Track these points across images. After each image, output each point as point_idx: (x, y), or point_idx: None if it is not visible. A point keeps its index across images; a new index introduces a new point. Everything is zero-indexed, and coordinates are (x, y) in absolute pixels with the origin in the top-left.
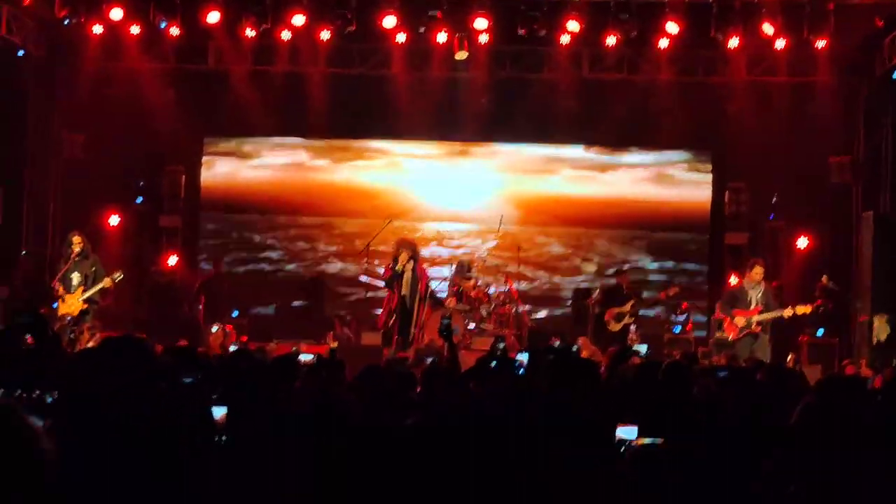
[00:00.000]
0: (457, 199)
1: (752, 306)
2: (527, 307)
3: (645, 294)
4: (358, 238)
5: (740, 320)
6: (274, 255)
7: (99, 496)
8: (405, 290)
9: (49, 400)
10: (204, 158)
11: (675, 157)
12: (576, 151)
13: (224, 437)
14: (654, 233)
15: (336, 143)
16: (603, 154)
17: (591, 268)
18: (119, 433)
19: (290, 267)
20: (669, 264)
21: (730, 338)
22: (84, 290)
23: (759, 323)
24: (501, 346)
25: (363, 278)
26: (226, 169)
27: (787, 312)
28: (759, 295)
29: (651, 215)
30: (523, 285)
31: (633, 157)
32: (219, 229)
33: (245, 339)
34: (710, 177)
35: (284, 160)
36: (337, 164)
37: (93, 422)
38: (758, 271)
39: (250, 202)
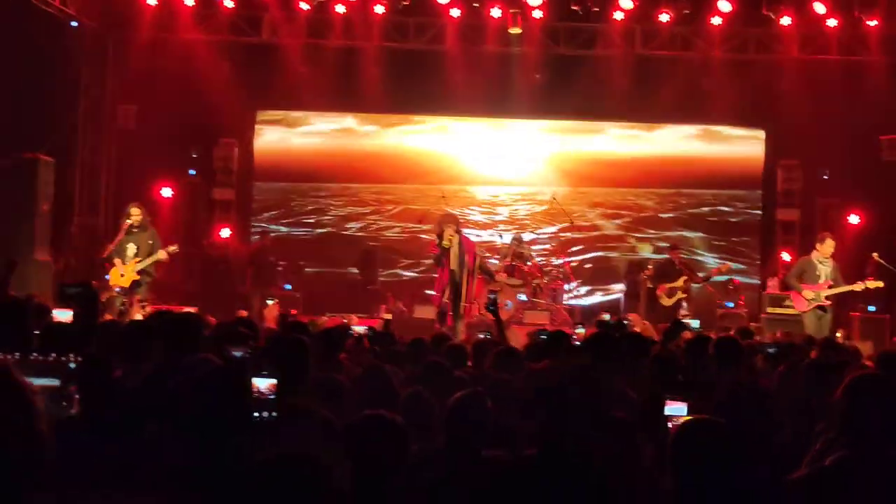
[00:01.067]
0: (505, 163)
1: (822, 280)
2: (578, 281)
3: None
4: (411, 203)
5: (809, 293)
6: (328, 220)
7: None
8: (454, 265)
9: (72, 366)
10: (255, 127)
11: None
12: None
13: (267, 412)
14: (707, 189)
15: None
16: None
17: (646, 248)
18: (138, 404)
19: (346, 232)
20: (722, 242)
21: (798, 311)
22: (139, 262)
23: (828, 297)
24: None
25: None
26: (275, 137)
27: (859, 287)
28: (830, 269)
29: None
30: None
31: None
32: (271, 200)
33: (295, 312)
34: (759, 151)
35: (333, 126)
36: (385, 129)
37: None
38: (830, 244)
39: (301, 171)
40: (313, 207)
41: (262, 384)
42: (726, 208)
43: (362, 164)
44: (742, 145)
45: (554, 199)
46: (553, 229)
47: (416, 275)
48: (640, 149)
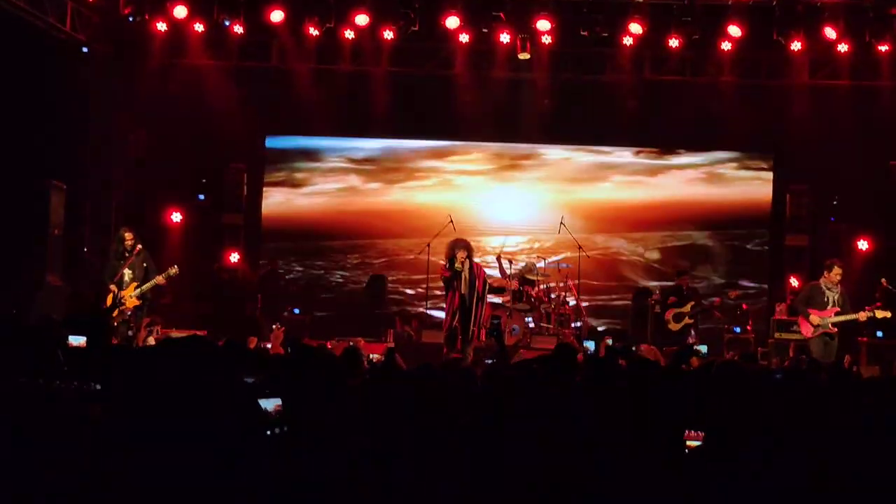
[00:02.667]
0: (511, 213)
1: (829, 307)
2: (585, 304)
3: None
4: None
5: (815, 319)
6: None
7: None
8: (464, 290)
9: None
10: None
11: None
12: (625, 156)
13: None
14: (713, 231)
15: (388, 163)
16: (654, 158)
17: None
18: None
19: (349, 274)
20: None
21: (805, 336)
22: (136, 287)
23: (834, 324)
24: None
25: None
26: (279, 199)
27: (863, 316)
28: (837, 296)
29: (707, 215)
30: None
31: (685, 158)
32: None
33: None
34: (768, 177)
35: (337, 185)
36: (389, 185)
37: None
38: (837, 272)
39: (306, 229)
40: (323, 263)
41: (269, 405)
42: (735, 242)
43: (369, 221)
44: (747, 185)
45: (562, 223)
46: (560, 257)
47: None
48: (644, 194)
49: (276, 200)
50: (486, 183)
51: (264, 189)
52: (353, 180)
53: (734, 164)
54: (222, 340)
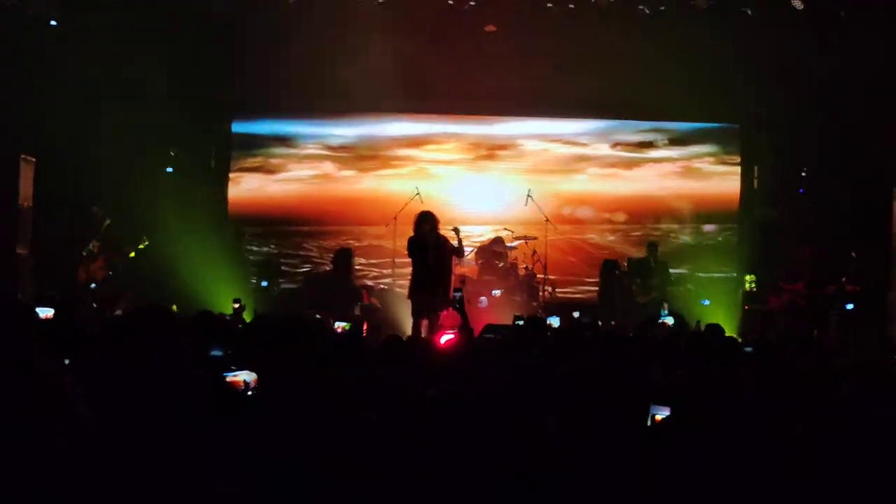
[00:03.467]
0: (484, 202)
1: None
2: (553, 278)
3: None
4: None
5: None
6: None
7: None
8: (431, 260)
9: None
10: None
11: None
12: (602, 148)
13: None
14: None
15: (364, 151)
16: (631, 151)
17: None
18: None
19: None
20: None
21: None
22: (105, 260)
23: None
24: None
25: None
26: (254, 185)
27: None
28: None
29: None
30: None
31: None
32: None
33: None
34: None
35: (312, 172)
36: (363, 173)
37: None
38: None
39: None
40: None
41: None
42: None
43: (342, 209)
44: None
45: (529, 195)
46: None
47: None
48: (619, 186)
49: (250, 186)
50: (461, 173)
51: (233, 175)
52: (328, 167)
53: (711, 159)
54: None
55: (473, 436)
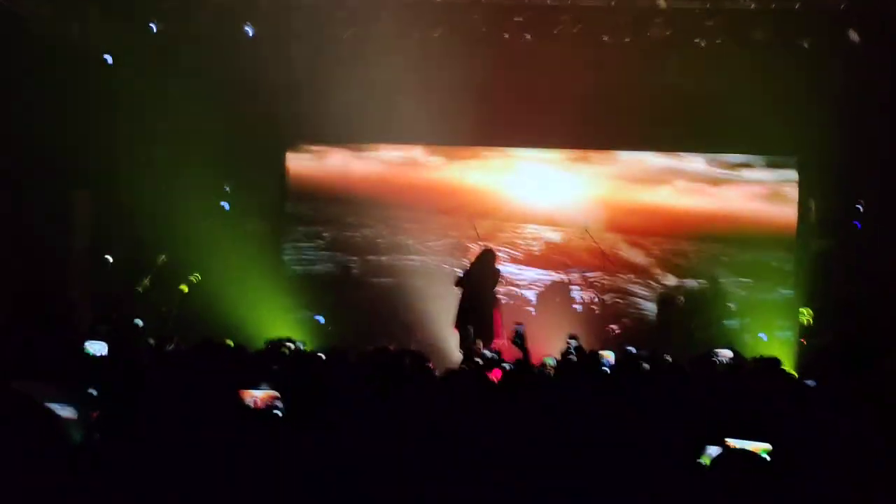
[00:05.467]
0: (558, 204)
1: None
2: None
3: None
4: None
5: None
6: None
7: None
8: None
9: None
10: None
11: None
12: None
13: None
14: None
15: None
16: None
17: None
18: None
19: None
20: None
21: None
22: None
23: None
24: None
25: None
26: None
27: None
28: None
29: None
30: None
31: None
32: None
33: None
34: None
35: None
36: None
37: None
38: None
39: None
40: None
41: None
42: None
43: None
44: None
45: (586, 231)
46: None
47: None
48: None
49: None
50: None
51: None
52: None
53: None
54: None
55: None
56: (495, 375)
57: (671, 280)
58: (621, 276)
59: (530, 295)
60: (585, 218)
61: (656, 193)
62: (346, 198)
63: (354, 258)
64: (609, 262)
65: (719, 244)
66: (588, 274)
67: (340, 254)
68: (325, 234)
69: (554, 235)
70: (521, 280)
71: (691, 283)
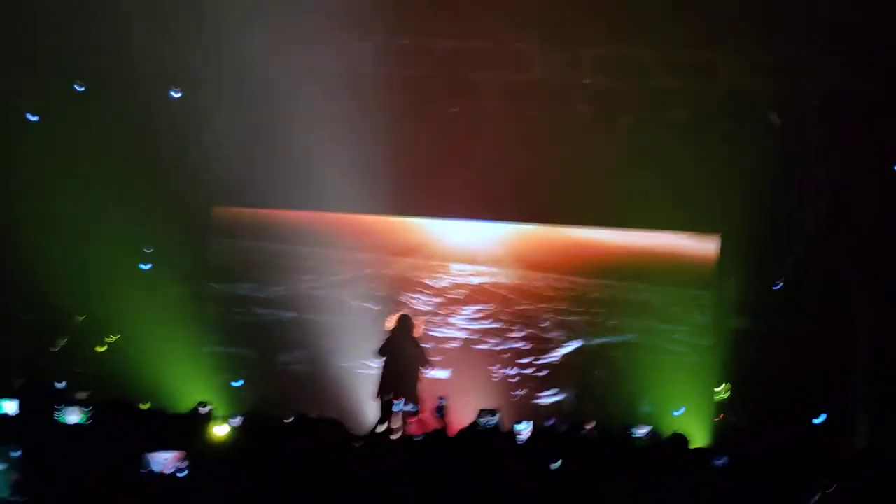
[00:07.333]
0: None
1: None
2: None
3: None
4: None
5: None
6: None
7: None
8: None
9: None
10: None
11: None
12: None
13: None
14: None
15: None
16: None
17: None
18: None
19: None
20: None
21: None
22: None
23: None
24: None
25: None
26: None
27: None
28: None
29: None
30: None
31: None
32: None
33: None
34: None
35: None
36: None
37: None
38: None
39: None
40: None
41: None
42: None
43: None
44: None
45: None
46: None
47: None
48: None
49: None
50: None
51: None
52: None
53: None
54: None
55: None
56: (415, 429)
57: (588, 339)
58: (539, 330)
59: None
60: (504, 259)
61: (576, 231)
62: (268, 250)
63: (276, 318)
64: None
65: (640, 286)
66: (510, 337)
67: (261, 313)
68: (247, 292)
69: (474, 276)
70: (441, 334)
71: (608, 339)
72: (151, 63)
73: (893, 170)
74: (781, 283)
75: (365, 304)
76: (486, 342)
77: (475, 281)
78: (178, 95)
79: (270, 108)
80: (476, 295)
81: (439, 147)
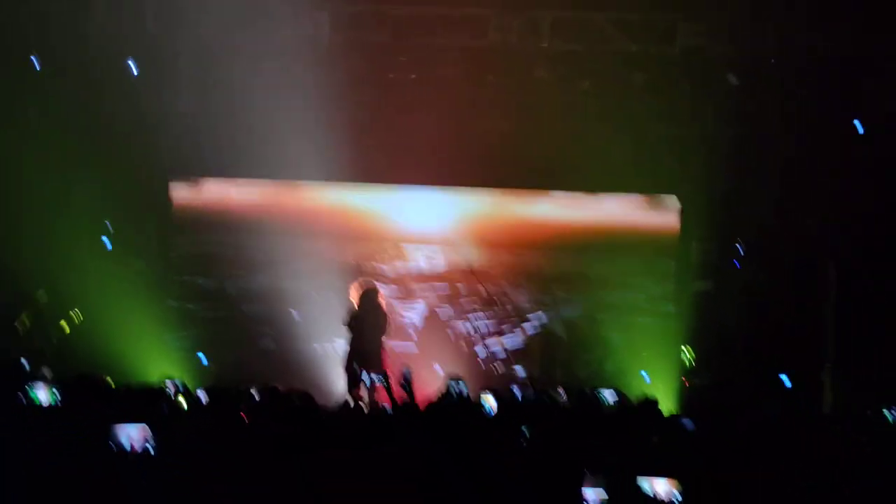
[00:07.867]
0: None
1: None
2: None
3: None
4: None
5: None
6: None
7: None
8: (368, 332)
9: None
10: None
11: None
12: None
13: None
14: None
15: None
16: None
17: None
18: None
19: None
20: None
21: None
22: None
23: None
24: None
25: None
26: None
27: None
28: None
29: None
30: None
31: None
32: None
33: None
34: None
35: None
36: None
37: None
38: None
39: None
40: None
41: None
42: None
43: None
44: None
45: (471, 270)
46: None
47: None
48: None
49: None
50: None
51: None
52: None
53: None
54: None
55: None
56: (385, 397)
57: (552, 311)
58: (502, 304)
59: (414, 318)
60: (462, 236)
61: (535, 207)
62: (228, 227)
63: (236, 291)
64: (479, 281)
65: (601, 259)
66: (473, 310)
67: (223, 286)
68: (209, 268)
69: (434, 257)
70: (406, 308)
71: (572, 311)
72: (108, 35)
73: (853, 126)
74: (743, 244)
75: (324, 292)
76: (448, 316)
77: (435, 261)
78: (136, 71)
79: (227, 76)
80: (437, 273)
81: (398, 113)
